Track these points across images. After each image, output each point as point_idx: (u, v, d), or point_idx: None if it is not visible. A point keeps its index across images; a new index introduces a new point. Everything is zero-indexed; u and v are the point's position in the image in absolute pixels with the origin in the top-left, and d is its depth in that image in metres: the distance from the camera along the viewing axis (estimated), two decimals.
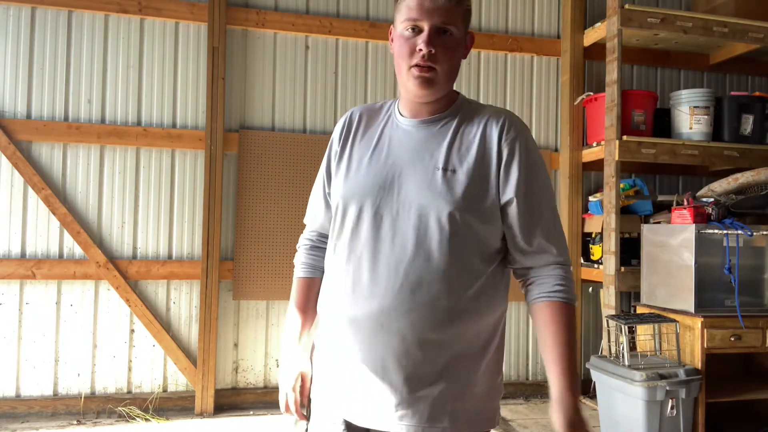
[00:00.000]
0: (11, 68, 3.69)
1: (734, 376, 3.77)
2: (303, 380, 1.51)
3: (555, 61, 4.52)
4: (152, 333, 3.76)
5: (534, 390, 4.35)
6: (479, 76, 4.40)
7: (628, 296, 4.31)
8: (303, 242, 1.59)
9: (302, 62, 4.10)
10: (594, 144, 4.19)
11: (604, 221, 3.99)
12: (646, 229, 3.74)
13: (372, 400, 1.33)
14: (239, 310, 3.95)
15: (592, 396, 4.02)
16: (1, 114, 3.66)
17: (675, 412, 3.11)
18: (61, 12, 3.75)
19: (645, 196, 4.19)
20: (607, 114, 3.98)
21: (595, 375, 3.43)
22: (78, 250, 3.70)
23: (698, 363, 3.26)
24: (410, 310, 1.29)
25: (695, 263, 3.32)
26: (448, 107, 1.40)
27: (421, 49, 1.30)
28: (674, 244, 3.46)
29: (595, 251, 4.18)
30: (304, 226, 1.63)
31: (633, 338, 3.50)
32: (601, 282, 4.04)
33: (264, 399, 3.90)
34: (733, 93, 4.41)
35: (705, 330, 3.27)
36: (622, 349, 3.26)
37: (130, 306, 3.74)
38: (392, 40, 1.39)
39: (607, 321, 3.64)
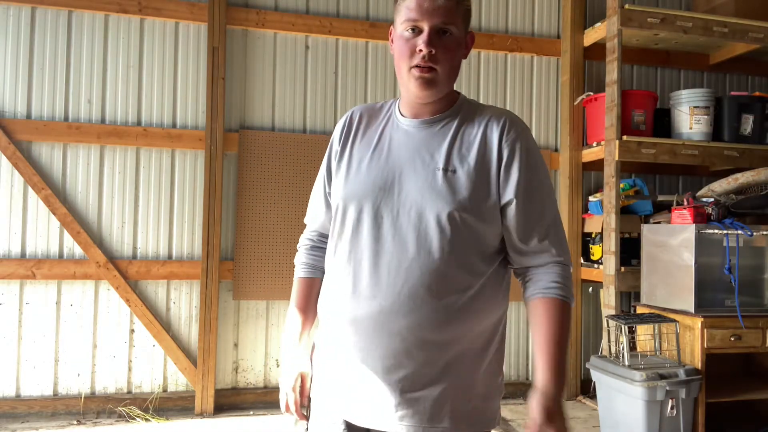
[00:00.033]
0: (11, 68, 3.69)
1: (734, 376, 3.77)
2: (303, 380, 1.51)
3: (555, 61, 4.52)
4: (152, 333, 3.76)
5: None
6: (479, 76, 4.40)
7: (628, 296, 4.32)
8: (303, 242, 1.59)
9: (302, 62, 4.10)
10: (594, 144, 4.19)
11: (604, 221, 3.99)
12: (646, 229, 3.74)
13: (372, 400, 1.33)
14: (239, 310, 3.95)
15: (592, 396, 4.02)
16: (1, 114, 3.66)
17: (675, 412, 3.11)
18: (61, 12, 3.75)
19: (645, 196, 4.19)
20: (607, 114, 3.98)
21: (595, 375, 3.43)
22: (78, 250, 3.70)
23: (698, 363, 3.26)
24: (411, 310, 1.29)
25: (695, 263, 3.32)
26: (448, 107, 1.40)
27: (421, 50, 1.30)
28: (674, 244, 3.46)
29: (595, 251, 4.18)
30: (304, 226, 1.63)
31: (633, 338, 3.50)
32: (601, 282, 4.04)
33: (264, 399, 3.90)
34: (733, 93, 4.41)
35: (705, 330, 3.27)
36: (622, 349, 3.26)
37: (130, 306, 3.74)
38: (392, 41, 1.39)
39: (607, 321, 3.64)
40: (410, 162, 1.35)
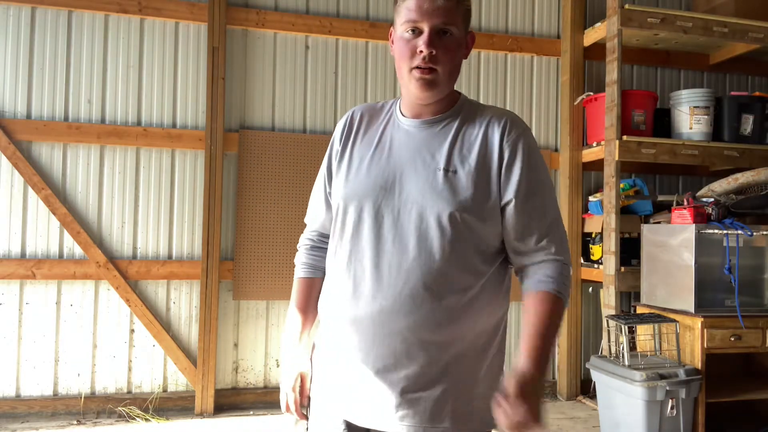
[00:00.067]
0: (11, 68, 3.69)
1: (734, 376, 3.77)
2: (303, 380, 1.51)
3: (555, 61, 4.52)
4: (152, 333, 3.76)
5: None
6: (479, 76, 4.40)
7: (628, 296, 4.31)
8: (303, 242, 1.59)
9: (302, 62, 4.10)
10: (594, 144, 4.19)
11: (604, 221, 3.99)
12: (646, 229, 3.74)
13: (373, 400, 1.33)
14: (239, 310, 3.95)
15: (592, 396, 4.03)
16: (1, 114, 3.66)
17: (675, 412, 3.11)
18: (61, 12, 3.75)
19: (645, 196, 4.19)
20: (607, 114, 3.98)
21: (595, 375, 3.43)
22: (78, 250, 3.70)
23: (698, 363, 3.26)
24: (411, 310, 1.29)
25: (695, 263, 3.32)
26: (449, 107, 1.40)
27: (421, 51, 1.30)
28: (674, 244, 3.46)
29: (595, 251, 4.18)
30: (304, 226, 1.62)
31: (633, 338, 3.50)
32: (601, 282, 4.04)
33: (264, 399, 3.90)
34: (733, 93, 4.41)
35: (705, 330, 3.27)
36: (622, 349, 3.26)
37: (130, 306, 3.74)
38: (392, 42, 1.39)
39: (607, 321, 3.64)
40: (411, 162, 1.35)
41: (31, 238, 3.67)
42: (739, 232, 3.36)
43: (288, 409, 1.50)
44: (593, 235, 4.25)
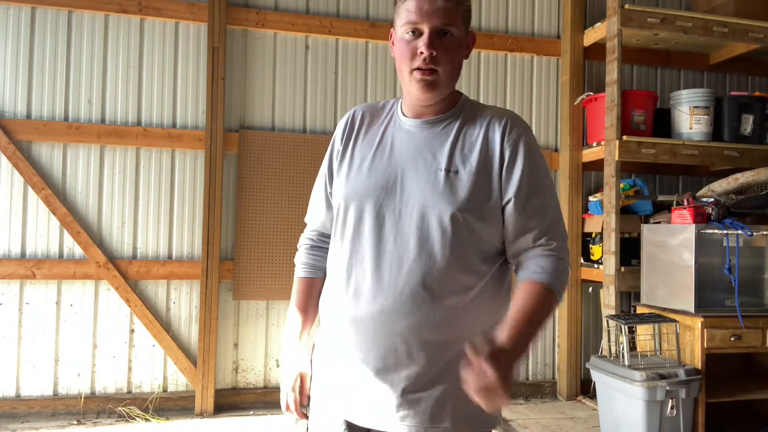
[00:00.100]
0: (11, 68, 3.69)
1: (734, 376, 3.77)
2: (303, 380, 1.51)
3: (555, 61, 4.52)
4: (152, 333, 3.76)
5: (534, 390, 4.35)
6: (479, 76, 4.40)
7: (628, 296, 4.31)
8: (304, 242, 1.59)
9: (302, 62, 4.10)
10: (594, 144, 4.19)
11: (604, 221, 3.99)
12: (646, 229, 3.74)
13: (373, 400, 1.33)
14: (239, 310, 3.95)
15: (592, 396, 4.03)
16: (1, 114, 3.66)
17: (675, 412, 3.11)
18: (61, 12, 3.75)
19: (645, 196, 4.19)
20: (607, 114, 3.98)
21: (595, 375, 3.43)
22: (78, 250, 3.70)
23: (698, 363, 3.26)
24: (412, 311, 1.29)
25: (695, 263, 3.32)
26: (450, 108, 1.40)
27: (422, 52, 1.30)
28: (674, 244, 3.46)
29: (595, 251, 4.18)
30: (304, 226, 1.62)
31: (633, 338, 3.50)
32: (601, 282, 4.04)
33: (264, 399, 3.90)
34: (733, 93, 4.41)
35: (705, 330, 3.27)
36: (622, 349, 3.26)
37: (130, 306, 3.74)
38: (393, 44, 1.39)
39: (607, 321, 3.64)
40: (412, 162, 1.35)
41: (31, 238, 3.67)
42: (739, 232, 3.36)
43: (288, 408, 1.50)
44: (593, 235, 4.25)
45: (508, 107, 4.14)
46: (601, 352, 4.05)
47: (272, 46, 4.06)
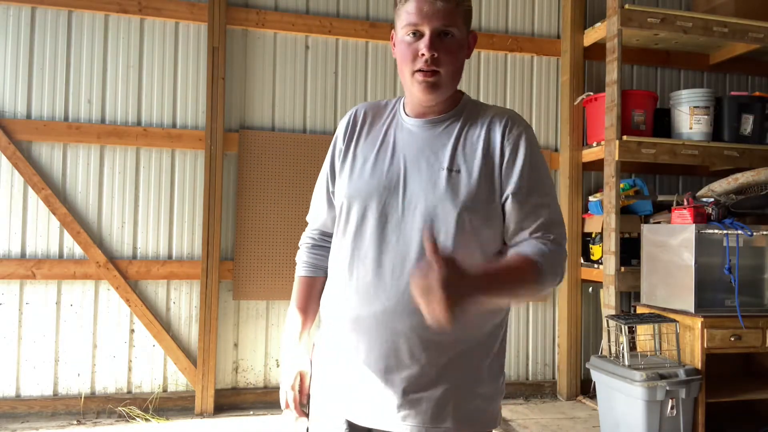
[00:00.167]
0: (11, 68, 3.69)
1: (734, 376, 3.77)
2: (302, 378, 1.52)
3: (555, 61, 4.52)
4: (152, 333, 3.76)
5: (534, 390, 4.35)
6: (479, 76, 4.40)
7: (628, 296, 4.31)
8: (305, 240, 1.59)
9: (302, 62, 4.10)
10: (594, 144, 4.19)
11: (604, 221, 3.99)
12: (646, 229, 3.74)
13: (374, 400, 1.33)
14: (239, 310, 3.95)
15: (592, 396, 4.03)
16: (1, 114, 3.66)
17: (675, 412, 3.11)
18: (61, 12, 3.75)
19: (645, 196, 4.19)
20: (607, 114, 3.98)
21: (595, 375, 3.43)
22: (78, 250, 3.70)
23: (698, 363, 3.26)
24: (414, 311, 1.28)
25: (695, 263, 3.32)
26: (452, 107, 1.40)
27: (423, 54, 1.30)
28: (674, 244, 3.46)
29: (595, 251, 4.18)
30: (304, 226, 1.63)
31: (633, 338, 3.50)
32: (601, 282, 4.04)
33: (264, 399, 3.90)
34: (733, 93, 4.41)
35: (705, 330, 3.27)
36: (622, 349, 3.26)
37: (130, 306, 3.74)
38: (394, 45, 1.39)
39: (607, 321, 3.64)
40: (415, 162, 1.35)
41: (31, 238, 3.67)
42: (739, 232, 3.36)
43: (287, 406, 1.50)
44: (593, 235, 4.25)
45: (508, 107, 4.14)
46: (601, 352, 4.05)
47: (272, 46, 4.06)
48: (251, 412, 3.80)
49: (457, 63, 1.35)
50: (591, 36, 4.32)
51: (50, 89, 3.73)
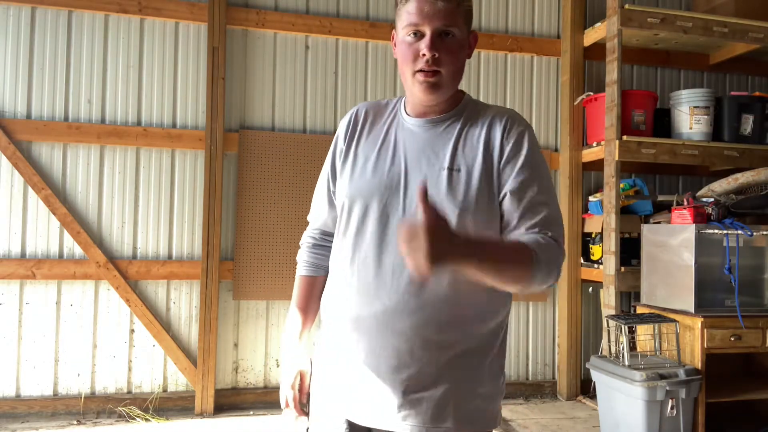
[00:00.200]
0: (11, 68, 3.69)
1: (734, 376, 3.77)
2: (302, 378, 1.52)
3: (555, 61, 4.52)
4: (152, 333, 3.76)
5: (534, 390, 4.35)
6: (479, 76, 4.40)
7: (628, 296, 4.32)
8: (306, 240, 1.59)
9: (302, 62, 4.10)
10: (594, 144, 4.19)
11: (604, 221, 3.99)
12: (646, 229, 3.74)
13: (374, 399, 1.33)
14: (239, 310, 3.95)
15: (592, 396, 4.03)
16: (1, 114, 3.66)
17: (675, 412, 3.11)
18: (61, 12, 3.75)
19: (645, 196, 4.19)
20: (607, 114, 3.98)
21: (595, 375, 3.43)
22: (78, 250, 3.70)
23: (698, 363, 3.26)
24: (414, 311, 1.29)
25: (695, 263, 3.32)
26: (454, 107, 1.40)
27: (424, 54, 1.30)
28: (674, 244, 3.47)
29: (595, 251, 4.18)
30: (304, 226, 1.63)
31: (633, 338, 3.50)
32: (601, 282, 4.04)
33: (264, 399, 3.90)
34: (733, 93, 4.41)
35: (705, 330, 3.27)
36: (622, 349, 3.26)
37: (130, 306, 3.74)
38: (395, 45, 1.39)
39: (607, 321, 3.64)
40: (416, 161, 1.35)
41: (31, 238, 3.67)
42: (739, 232, 3.36)
43: (287, 405, 1.50)
44: (593, 235, 4.25)
45: (508, 107, 4.14)
46: (601, 352, 4.05)
47: (272, 46, 4.06)
48: (251, 412, 3.80)
49: (458, 63, 1.35)
50: (591, 36, 4.32)
51: (50, 89, 3.73)
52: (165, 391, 3.82)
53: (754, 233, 3.40)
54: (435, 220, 1.05)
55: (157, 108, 3.88)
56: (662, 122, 4.16)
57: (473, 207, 1.30)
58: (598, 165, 4.22)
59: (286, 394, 1.50)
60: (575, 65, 4.39)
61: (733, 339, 3.31)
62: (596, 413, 3.68)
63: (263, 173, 3.95)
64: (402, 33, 1.34)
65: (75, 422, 3.55)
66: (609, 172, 3.92)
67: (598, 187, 4.40)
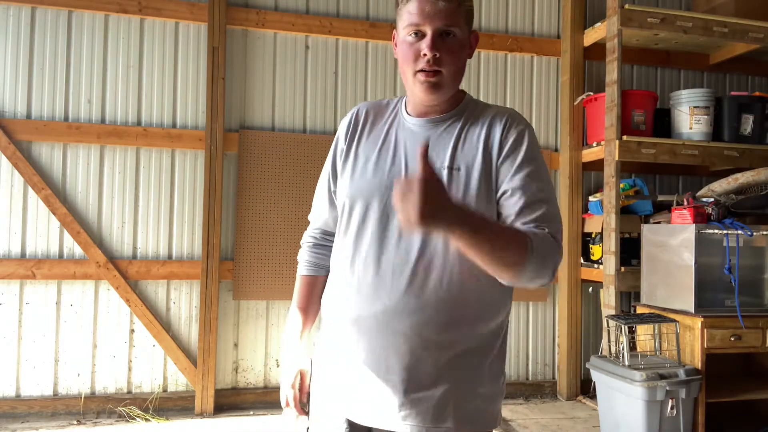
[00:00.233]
0: (11, 68, 3.69)
1: (734, 376, 3.77)
2: (302, 377, 1.52)
3: (555, 61, 4.52)
4: (152, 333, 3.76)
5: (534, 390, 4.35)
6: (479, 76, 4.40)
7: (628, 296, 4.32)
8: (307, 239, 1.59)
9: (302, 62, 4.10)
10: (594, 144, 4.19)
11: (604, 221, 3.99)
12: (646, 229, 3.74)
13: (374, 399, 1.33)
14: (239, 310, 3.95)
15: (592, 396, 4.03)
16: (1, 114, 3.66)
17: (675, 412, 3.11)
18: (61, 12, 3.75)
19: (645, 196, 4.19)
20: (607, 114, 3.98)
21: (595, 375, 3.43)
22: (78, 250, 3.70)
23: (698, 363, 3.26)
24: (414, 311, 1.29)
25: (695, 263, 3.32)
26: (454, 107, 1.40)
27: (425, 54, 1.30)
28: (674, 244, 3.47)
29: (595, 251, 4.18)
30: (304, 225, 1.63)
31: (633, 338, 3.50)
32: (601, 282, 4.04)
33: (264, 399, 3.90)
34: (733, 93, 4.42)
35: (705, 330, 3.27)
36: (622, 349, 3.26)
37: (130, 306, 3.74)
38: (396, 45, 1.39)
39: (607, 321, 3.64)
40: (417, 161, 1.35)
41: (31, 238, 3.67)
42: (739, 232, 3.36)
43: (288, 404, 1.50)
44: (593, 235, 4.25)
45: (508, 107, 4.14)
46: (601, 352, 4.05)
47: (272, 46, 4.06)
48: (251, 412, 3.80)
49: (459, 63, 1.35)
50: (591, 36, 4.32)
51: (50, 89, 3.73)
52: (165, 391, 3.82)
53: (754, 233, 3.41)
54: (431, 175, 1.06)
55: (157, 108, 3.88)
56: (662, 122, 4.16)
57: (473, 206, 1.30)
58: (598, 165, 4.22)
59: (287, 394, 1.50)
60: (575, 65, 4.39)
61: (733, 339, 3.31)
62: (596, 413, 3.69)
63: (263, 173, 3.95)
64: (403, 33, 1.34)
65: (75, 422, 3.55)
66: (609, 172, 3.92)
67: (598, 187, 4.40)
